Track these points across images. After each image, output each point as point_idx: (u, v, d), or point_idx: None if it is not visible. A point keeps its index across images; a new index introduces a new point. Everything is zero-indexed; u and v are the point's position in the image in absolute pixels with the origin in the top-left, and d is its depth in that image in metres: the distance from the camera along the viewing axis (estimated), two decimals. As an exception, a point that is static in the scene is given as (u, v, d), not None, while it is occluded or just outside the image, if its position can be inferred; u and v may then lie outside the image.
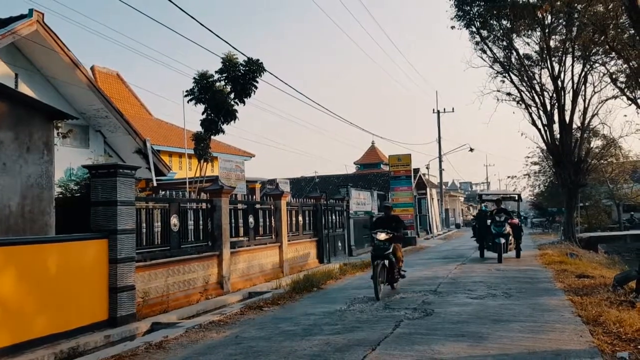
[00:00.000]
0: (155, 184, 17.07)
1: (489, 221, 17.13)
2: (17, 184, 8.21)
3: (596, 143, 29.83)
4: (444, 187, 53.83)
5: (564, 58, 24.58)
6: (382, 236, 10.55)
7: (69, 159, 14.29)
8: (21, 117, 8.47)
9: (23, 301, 7.16)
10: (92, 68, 25.75)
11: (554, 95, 25.04)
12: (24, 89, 13.76)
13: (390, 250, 10.53)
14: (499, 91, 26.83)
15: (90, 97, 15.77)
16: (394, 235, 10.73)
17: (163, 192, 11.87)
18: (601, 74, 24.90)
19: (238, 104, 14.93)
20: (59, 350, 7.11)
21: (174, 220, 10.84)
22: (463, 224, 63.28)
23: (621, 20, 19.61)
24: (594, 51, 23.34)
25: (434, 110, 47.27)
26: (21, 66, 14.25)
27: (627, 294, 9.35)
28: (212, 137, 15.32)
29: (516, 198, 22.16)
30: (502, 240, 16.40)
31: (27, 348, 7.00)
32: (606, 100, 25.69)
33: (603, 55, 23.53)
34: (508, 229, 16.67)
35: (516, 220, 17.87)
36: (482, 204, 22.73)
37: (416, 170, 36.55)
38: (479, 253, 18.67)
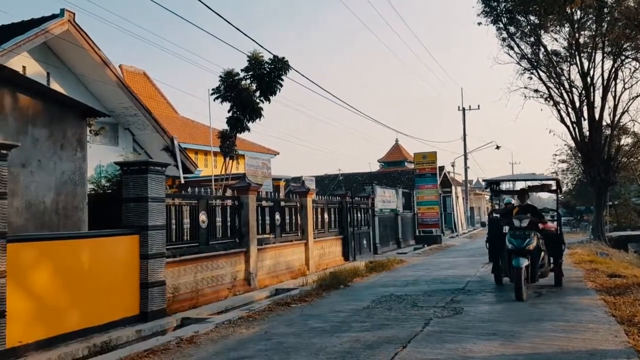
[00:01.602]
0: (182, 182, 17.26)
1: (505, 227, 10.23)
2: (51, 180, 8.38)
3: (626, 140, 29.31)
4: (469, 185, 53.29)
5: (593, 54, 24.15)
6: None
7: (99, 157, 14.51)
8: (55, 114, 8.63)
9: (57, 295, 7.32)
10: (119, 67, 26.09)
11: (583, 91, 24.63)
12: (56, 87, 14.01)
13: None
14: (526, 88, 26.47)
15: (119, 95, 16.02)
16: None
17: (191, 190, 11.98)
18: (632, 70, 24.43)
19: (263, 102, 14.99)
20: (92, 344, 7.24)
21: (203, 217, 10.94)
22: (488, 223, 62.63)
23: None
24: (625, 46, 22.87)
25: (459, 107, 46.87)
26: (53, 65, 14.53)
27: (661, 294, 9.15)
28: (237, 134, 15.42)
29: (553, 186, 13.15)
30: (524, 263, 9.25)
31: (61, 341, 7.15)
32: (637, 96, 25.21)
33: (634, 51, 23.06)
34: (535, 241, 9.63)
35: (552, 225, 11.57)
36: (498, 198, 15.10)
37: (441, 168, 36.28)
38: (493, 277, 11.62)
